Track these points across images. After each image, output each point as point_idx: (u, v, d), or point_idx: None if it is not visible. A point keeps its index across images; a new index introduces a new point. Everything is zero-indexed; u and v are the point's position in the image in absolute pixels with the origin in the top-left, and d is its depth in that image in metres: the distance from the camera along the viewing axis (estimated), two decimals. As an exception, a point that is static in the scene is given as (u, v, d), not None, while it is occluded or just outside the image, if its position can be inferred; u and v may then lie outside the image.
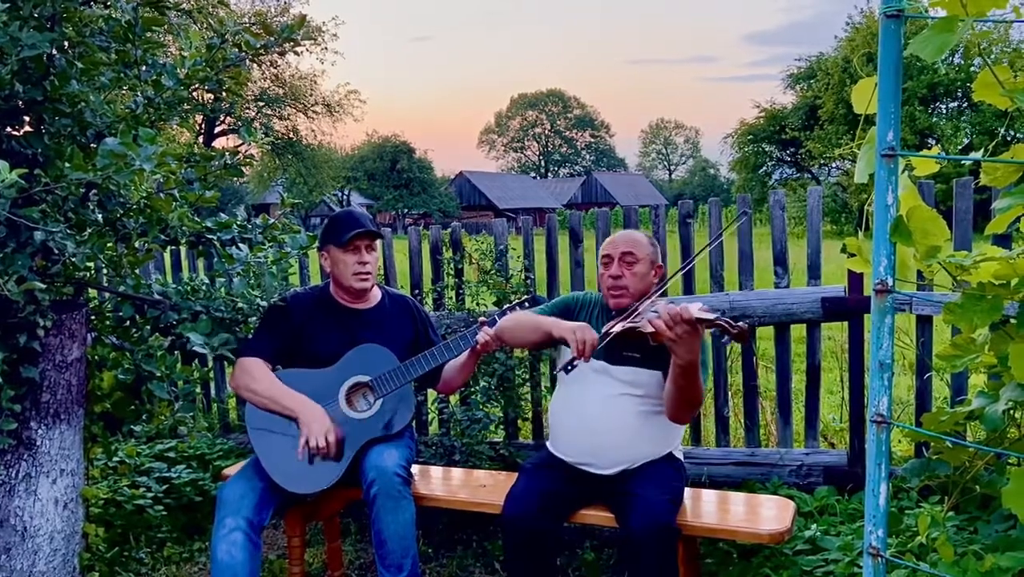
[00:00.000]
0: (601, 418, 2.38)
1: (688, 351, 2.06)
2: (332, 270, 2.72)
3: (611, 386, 2.40)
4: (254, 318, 2.71)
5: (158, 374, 2.50)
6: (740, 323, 1.97)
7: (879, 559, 1.26)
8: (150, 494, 3.38)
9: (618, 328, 2.16)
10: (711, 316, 1.98)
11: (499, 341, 2.61)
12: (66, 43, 2.41)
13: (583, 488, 2.42)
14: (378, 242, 2.76)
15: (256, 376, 2.60)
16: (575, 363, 2.24)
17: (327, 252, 2.72)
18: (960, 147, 26.19)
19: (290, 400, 2.57)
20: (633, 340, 2.19)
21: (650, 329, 2.05)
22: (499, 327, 2.58)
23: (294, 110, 31.88)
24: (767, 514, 2.38)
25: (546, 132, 78.71)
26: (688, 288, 3.43)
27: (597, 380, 2.41)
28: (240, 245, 2.66)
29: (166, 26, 2.62)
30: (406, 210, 49.36)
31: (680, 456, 2.53)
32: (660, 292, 2.41)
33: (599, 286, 2.54)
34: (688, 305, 2.02)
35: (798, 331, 3.32)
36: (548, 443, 2.56)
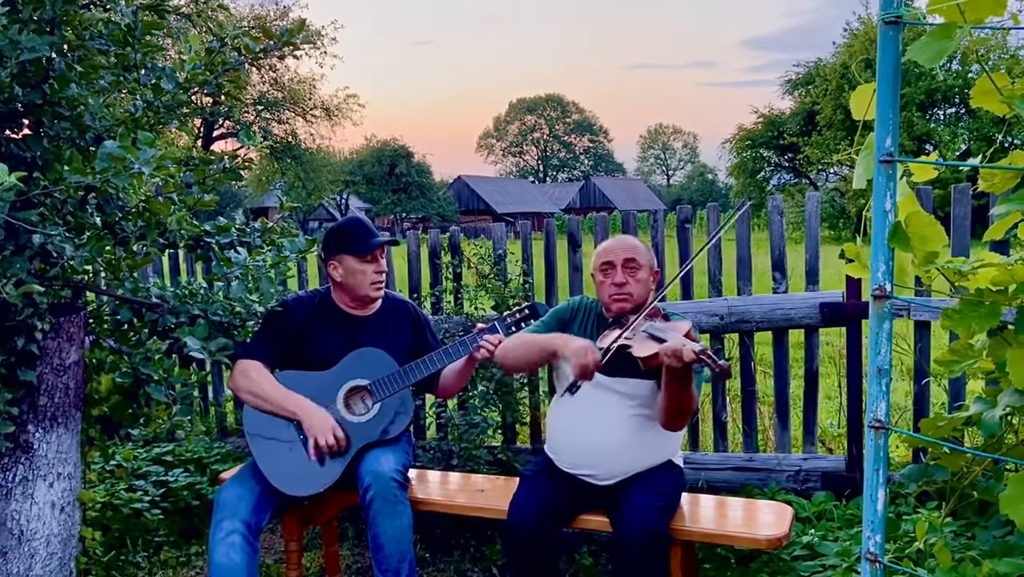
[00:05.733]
0: (598, 430, 2.38)
1: (684, 372, 2.11)
2: (346, 280, 2.66)
3: (607, 397, 2.40)
4: (252, 322, 2.71)
5: (156, 377, 2.49)
6: (722, 361, 1.99)
7: (877, 564, 1.26)
8: (147, 498, 3.37)
9: (616, 345, 2.18)
10: (698, 351, 2.01)
11: (500, 366, 2.61)
12: (65, 46, 2.41)
13: (582, 494, 2.42)
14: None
15: (255, 378, 2.59)
16: (579, 384, 2.23)
17: (338, 261, 2.66)
18: (958, 153, 26.22)
19: (290, 402, 2.56)
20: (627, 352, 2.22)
21: (644, 354, 2.09)
22: (501, 350, 2.57)
23: (293, 114, 31.93)
24: (765, 519, 2.38)
25: (545, 137, 78.75)
26: (687, 293, 3.43)
27: (594, 392, 2.40)
28: (239, 249, 2.65)
29: (165, 30, 2.62)
30: (404, 214, 49.39)
31: (680, 462, 2.53)
32: (660, 298, 2.41)
33: (599, 293, 2.52)
34: (685, 347, 2.02)
35: (796, 336, 3.32)
36: (546, 447, 2.55)
